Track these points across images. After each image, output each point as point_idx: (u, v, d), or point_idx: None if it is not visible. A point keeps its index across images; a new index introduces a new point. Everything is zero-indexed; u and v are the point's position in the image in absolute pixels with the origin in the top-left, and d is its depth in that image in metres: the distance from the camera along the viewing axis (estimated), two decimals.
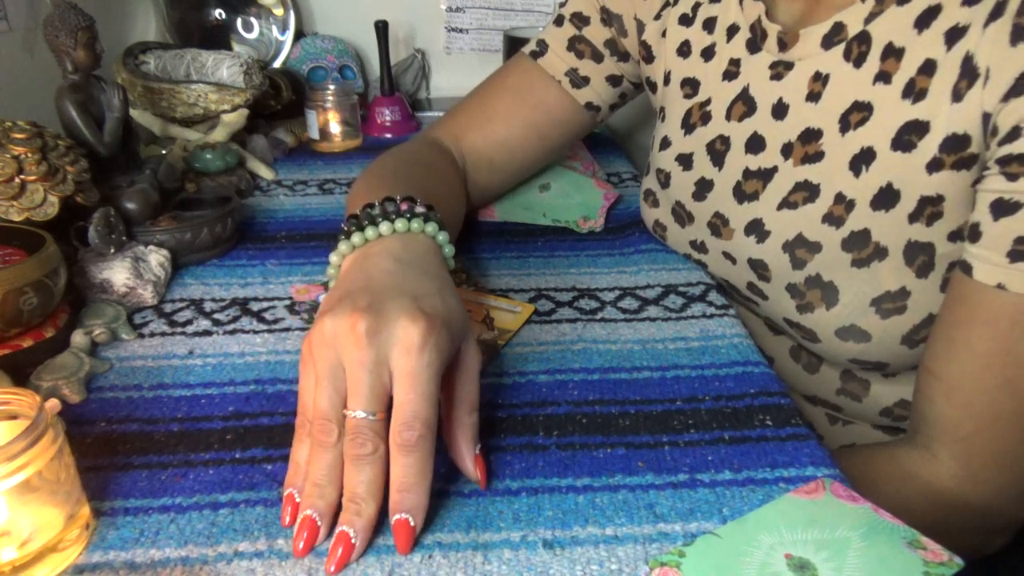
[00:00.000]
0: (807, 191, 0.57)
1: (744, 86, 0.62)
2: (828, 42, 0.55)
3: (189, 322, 0.61)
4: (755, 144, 0.61)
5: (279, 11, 1.22)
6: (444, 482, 0.44)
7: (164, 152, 0.88)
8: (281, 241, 0.76)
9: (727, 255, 0.64)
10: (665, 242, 0.73)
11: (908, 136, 0.51)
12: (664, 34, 0.69)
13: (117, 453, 0.46)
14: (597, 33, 0.72)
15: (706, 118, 0.65)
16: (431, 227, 0.50)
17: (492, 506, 0.42)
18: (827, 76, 0.55)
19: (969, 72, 0.47)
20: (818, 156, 0.56)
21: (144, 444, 0.47)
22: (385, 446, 0.39)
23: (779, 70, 0.59)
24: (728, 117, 0.63)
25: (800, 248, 0.57)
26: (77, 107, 0.66)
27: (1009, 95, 0.45)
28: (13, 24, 0.86)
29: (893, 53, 0.52)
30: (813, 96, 0.56)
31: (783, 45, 0.58)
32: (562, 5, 0.75)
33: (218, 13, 1.21)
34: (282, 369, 0.55)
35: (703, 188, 0.65)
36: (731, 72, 0.63)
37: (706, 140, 0.65)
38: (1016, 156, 0.45)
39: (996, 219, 0.46)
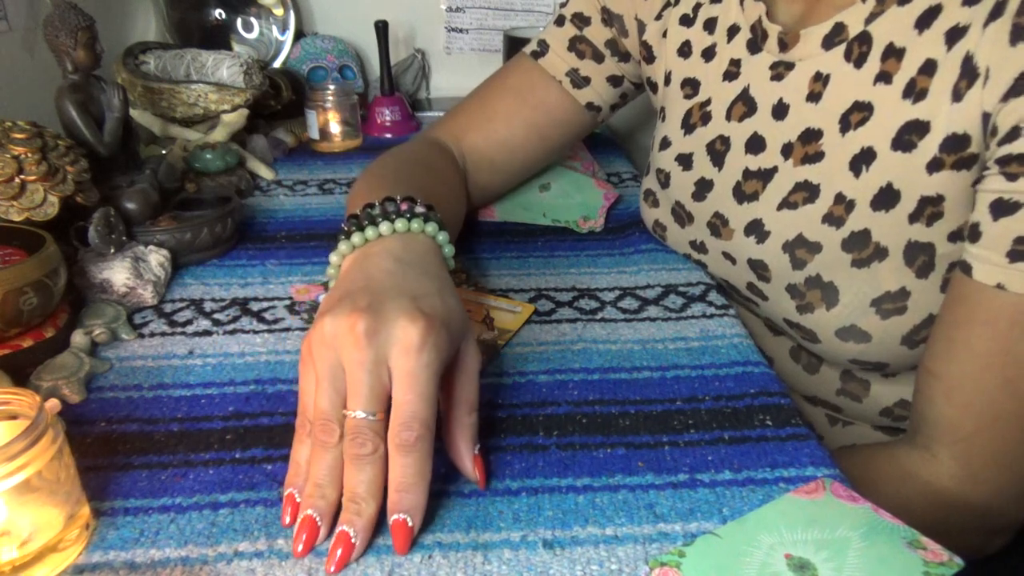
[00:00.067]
0: (807, 191, 0.57)
1: (744, 86, 0.62)
2: (829, 42, 0.55)
3: (189, 322, 0.61)
4: (755, 144, 0.61)
5: (279, 11, 1.22)
6: (444, 482, 0.43)
7: (164, 152, 0.88)
8: (281, 241, 0.76)
9: (727, 255, 0.64)
10: (665, 242, 0.73)
11: (908, 136, 0.51)
12: (665, 34, 0.69)
13: (117, 453, 0.46)
14: (598, 33, 0.72)
15: (706, 118, 0.65)
16: (431, 227, 0.50)
17: (492, 506, 0.42)
18: (828, 76, 0.55)
19: (969, 72, 0.47)
20: (818, 156, 0.56)
21: (144, 444, 0.47)
22: (385, 446, 0.39)
23: (780, 70, 0.59)
24: (728, 117, 0.63)
25: (800, 248, 0.57)
26: (77, 107, 0.66)
27: (1009, 95, 0.45)
28: (13, 24, 0.86)
29: (894, 53, 0.52)
30: (813, 96, 0.56)
31: (784, 45, 0.58)
32: (563, 5, 0.75)
33: (218, 13, 1.21)
34: (282, 369, 0.55)
35: (703, 188, 0.65)
36: (731, 72, 0.63)
37: (706, 140, 0.65)
38: (1016, 156, 0.45)
39: (996, 219, 0.46)
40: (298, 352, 0.56)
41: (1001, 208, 0.46)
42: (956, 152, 0.49)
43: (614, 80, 0.74)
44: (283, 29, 1.22)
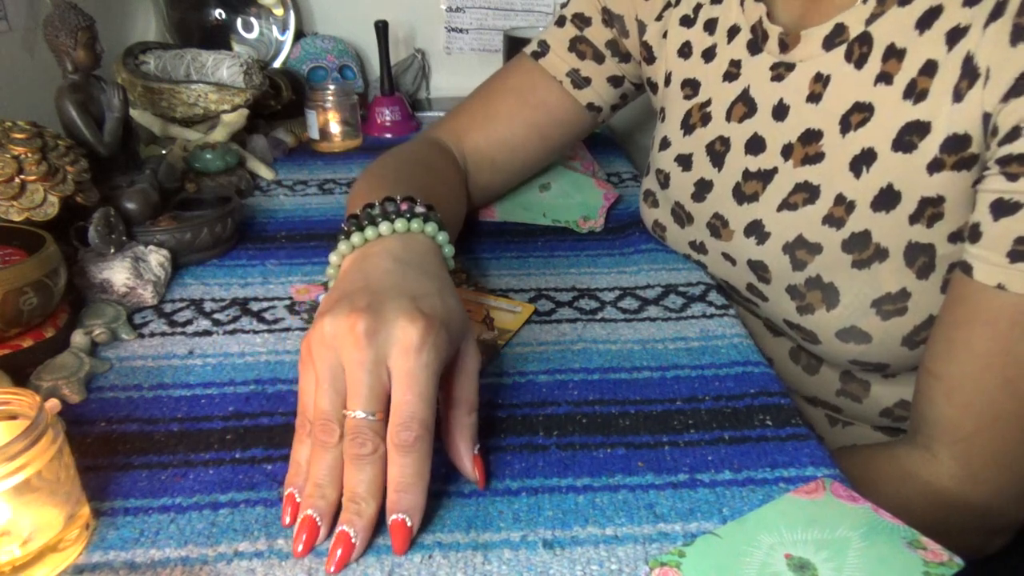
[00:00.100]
0: (807, 192, 0.56)
1: (744, 87, 0.62)
2: (829, 43, 0.55)
3: (189, 322, 0.61)
4: (755, 145, 0.61)
5: (279, 11, 1.22)
6: (444, 482, 0.43)
7: (164, 152, 0.88)
8: (281, 241, 0.76)
9: (727, 256, 0.64)
10: (665, 243, 0.73)
11: (909, 137, 0.51)
12: (665, 35, 0.69)
13: (117, 453, 0.46)
14: (598, 34, 0.72)
15: (706, 119, 0.65)
16: (431, 227, 0.50)
17: (492, 506, 0.42)
18: (828, 77, 0.55)
19: (970, 72, 0.47)
20: (818, 157, 0.56)
21: (144, 444, 0.47)
22: (385, 446, 0.39)
23: (780, 71, 0.59)
24: (728, 118, 0.63)
25: (800, 249, 0.57)
26: (77, 107, 0.66)
27: (1009, 95, 0.45)
28: (13, 24, 0.86)
29: (894, 54, 0.52)
30: (814, 97, 0.56)
31: (784, 46, 0.58)
32: (563, 6, 0.75)
33: (218, 13, 1.21)
34: (282, 369, 0.55)
35: (702, 189, 0.65)
36: (731, 73, 0.63)
37: (705, 141, 0.65)
38: (1016, 156, 0.45)
39: (996, 219, 0.46)
40: (298, 352, 0.56)
41: (1002, 208, 0.46)
42: (957, 152, 0.49)
43: (615, 81, 0.74)
44: (283, 29, 1.22)
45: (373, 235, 0.48)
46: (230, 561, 0.38)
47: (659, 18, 0.69)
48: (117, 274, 0.61)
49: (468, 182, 0.74)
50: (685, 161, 0.67)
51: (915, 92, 0.50)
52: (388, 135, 1.15)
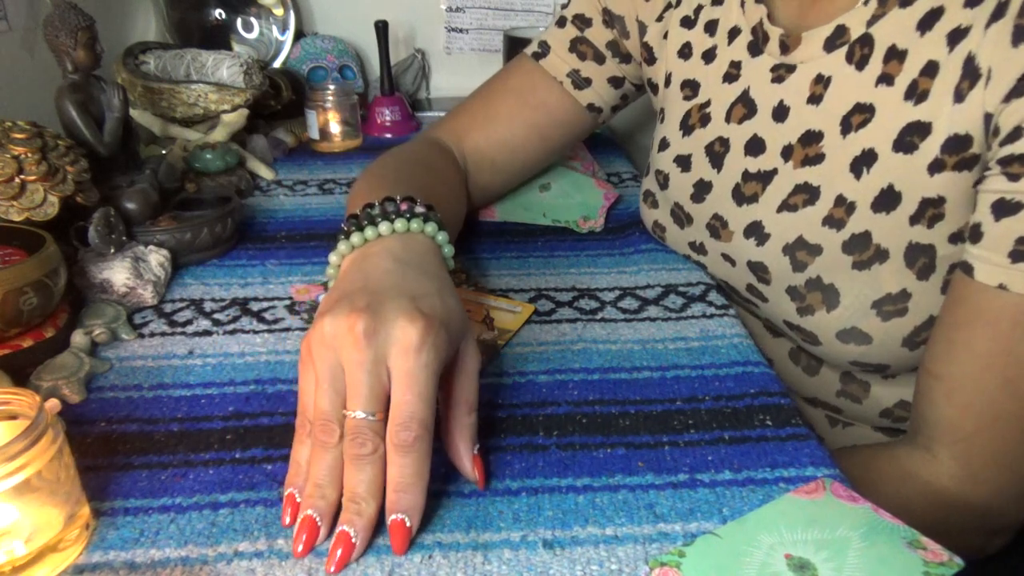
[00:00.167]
0: (807, 193, 0.56)
1: (745, 88, 0.62)
2: (830, 45, 0.55)
3: (189, 322, 0.61)
4: (755, 146, 0.61)
5: (279, 11, 1.22)
6: (444, 482, 0.43)
7: (164, 152, 0.88)
8: (281, 241, 0.76)
9: (726, 257, 0.64)
10: (664, 243, 0.73)
11: (910, 137, 0.51)
12: (666, 36, 0.69)
13: (117, 453, 0.46)
14: (599, 35, 0.72)
15: (705, 120, 0.65)
16: (431, 227, 0.50)
17: (492, 506, 0.42)
18: (829, 78, 0.55)
19: (971, 73, 0.47)
20: (819, 158, 0.56)
21: (144, 444, 0.47)
22: (385, 446, 0.39)
23: (780, 73, 0.59)
24: (728, 119, 0.63)
25: (800, 250, 0.57)
26: (77, 107, 0.66)
27: (1010, 95, 0.45)
28: (13, 24, 0.86)
29: (896, 55, 0.52)
30: (814, 98, 0.56)
31: (785, 48, 0.58)
32: (564, 6, 0.75)
33: (218, 13, 1.21)
34: (282, 369, 0.55)
35: (702, 190, 0.65)
36: (732, 74, 0.63)
37: (705, 142, 0.65)
38: (1017, 156, 0.45)
39: (997, 219, 0.46)
40: (298, 352, 0.56)
41: (1003, 208, 0.46)
42: (958, 153, 0.49)
43: (615, 81, 0.74)
44: (283, 29, 1.22)
45: (373, 235, 0.48)
46: (230, 561, 0.38)
47: (660, 19, 0.69)
48: (117, 274, 0.61)
49: (468, 182, 0.74)
50: (684, 162, 0.67)
51: (916, 93, 0.50)
52: (388, 135, 1.15)
